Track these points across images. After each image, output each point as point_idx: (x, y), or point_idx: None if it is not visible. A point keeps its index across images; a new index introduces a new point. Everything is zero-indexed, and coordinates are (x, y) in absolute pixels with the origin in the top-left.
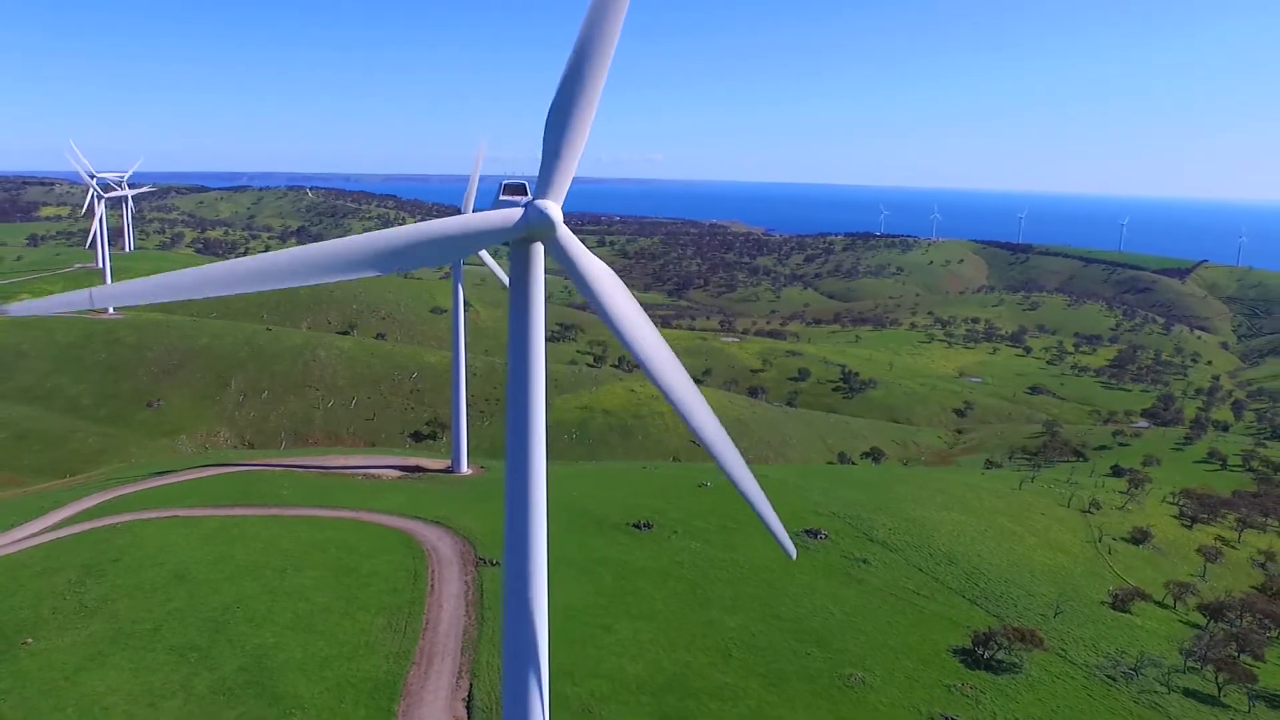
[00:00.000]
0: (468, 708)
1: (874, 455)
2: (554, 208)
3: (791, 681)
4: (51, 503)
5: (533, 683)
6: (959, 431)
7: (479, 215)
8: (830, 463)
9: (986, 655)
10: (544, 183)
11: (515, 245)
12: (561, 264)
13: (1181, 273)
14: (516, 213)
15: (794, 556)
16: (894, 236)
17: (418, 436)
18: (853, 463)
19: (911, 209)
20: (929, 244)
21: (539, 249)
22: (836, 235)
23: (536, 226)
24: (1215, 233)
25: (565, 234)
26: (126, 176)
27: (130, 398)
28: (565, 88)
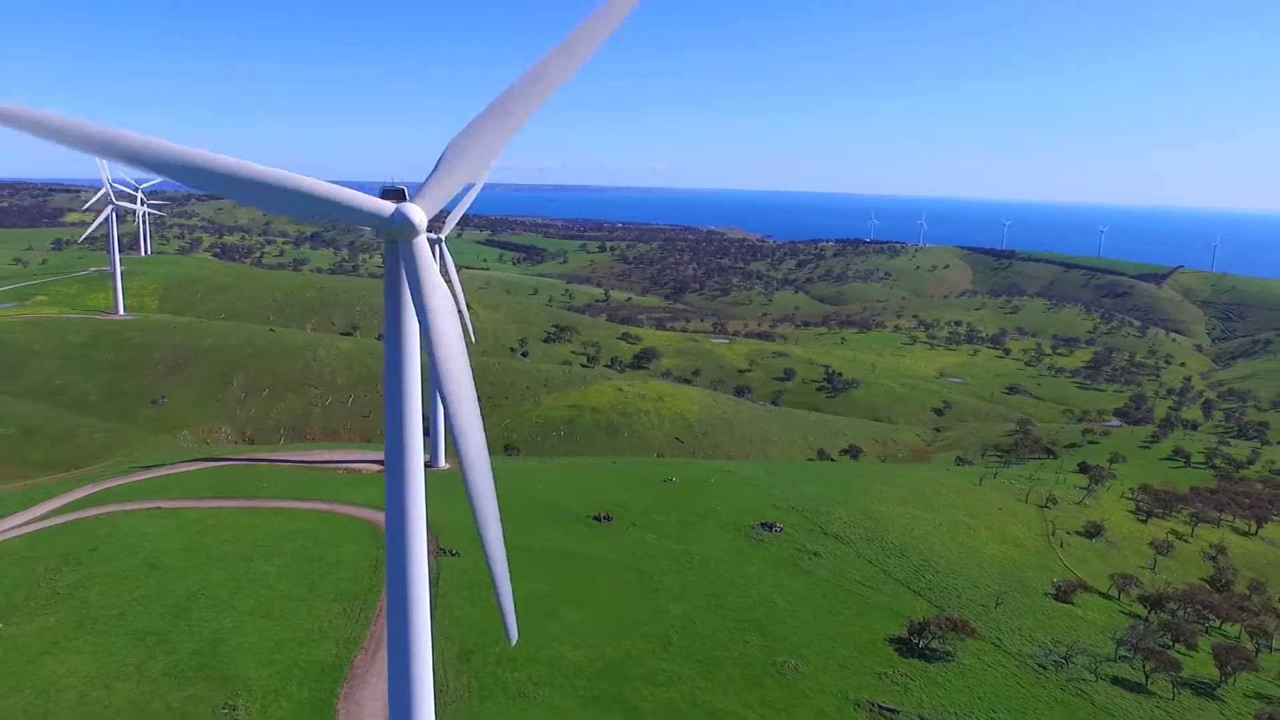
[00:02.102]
0: None
1: (852, 452)
2: (418, 212)
3: (726, 668)
4: (43, 494)
5: (414, 671)
6: (937, 430)
7: (357, 194)
8: (810, 459)
9: (921, 644)
10: (421, 190)
11: (387, 245)
12: (406, 269)
13: (1158, 278)
14: (389, 206)
15: (513, 640)
16: (883, 243)
17: None
18: (832, 459)
19: (900, 216)
20: (916, 250)
21: (422, 243)
22: (828, 241)
23: (399, 226)
24: (1191, 240)
25: (421, 243)
26: (143, 186)
27: (136, 395)
28: (478, 127)
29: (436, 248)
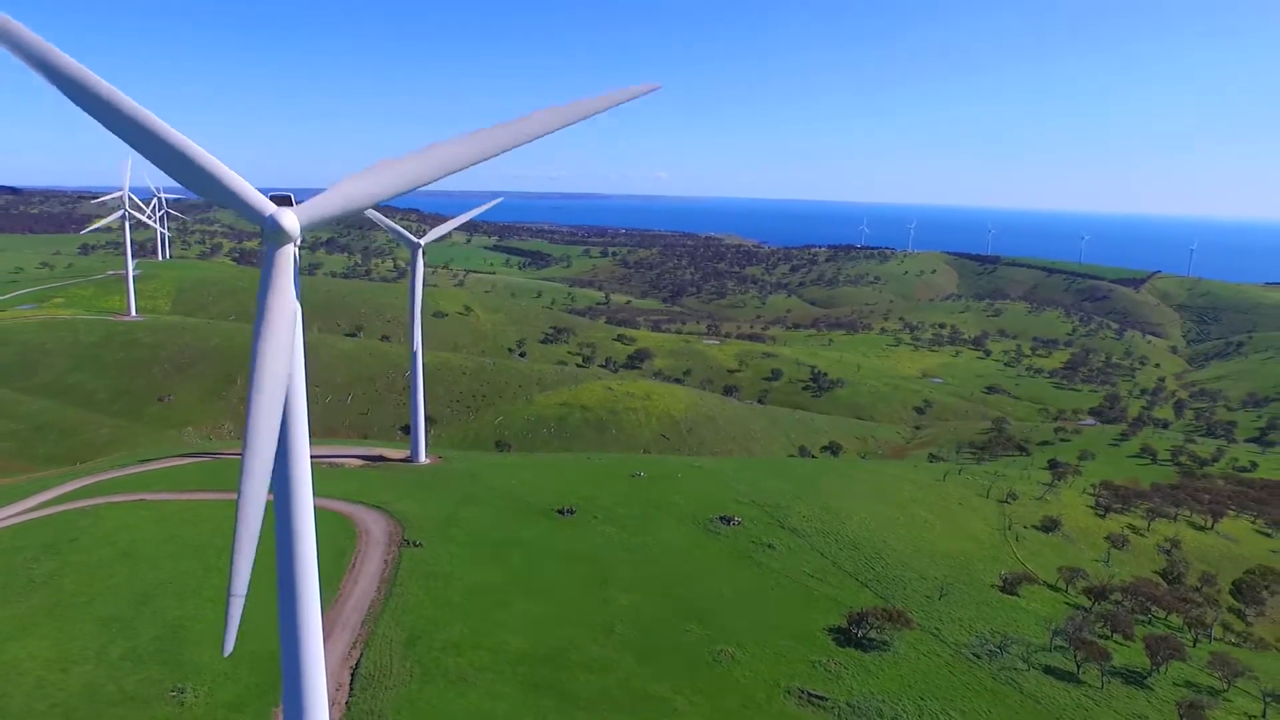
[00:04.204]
0: (352, 675)
1: (833, 449)
2: (290, 219)
3: (664, 655)
4: (37, 487)
5: (306, 663)
6: (917, 428)
7: (247, 187)
8: (792, 455)
9: (859, 634)
10: (309, 202)
11: (264, 242)
12: (263, 269)
13: (1136, 282)
14: (270, 206)
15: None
16: (873, 248)
17: (408, 429)
18: (812, 456)
19: (890, 223)
20: (905, 255)
21: (287, 252)
22: (821, 247)
23: (269, 228)
24: (1168, 246)
25: (286, 252)
26: (161, 192)
27: (143, 393)
28: (382, 171)
29: (417, 253)
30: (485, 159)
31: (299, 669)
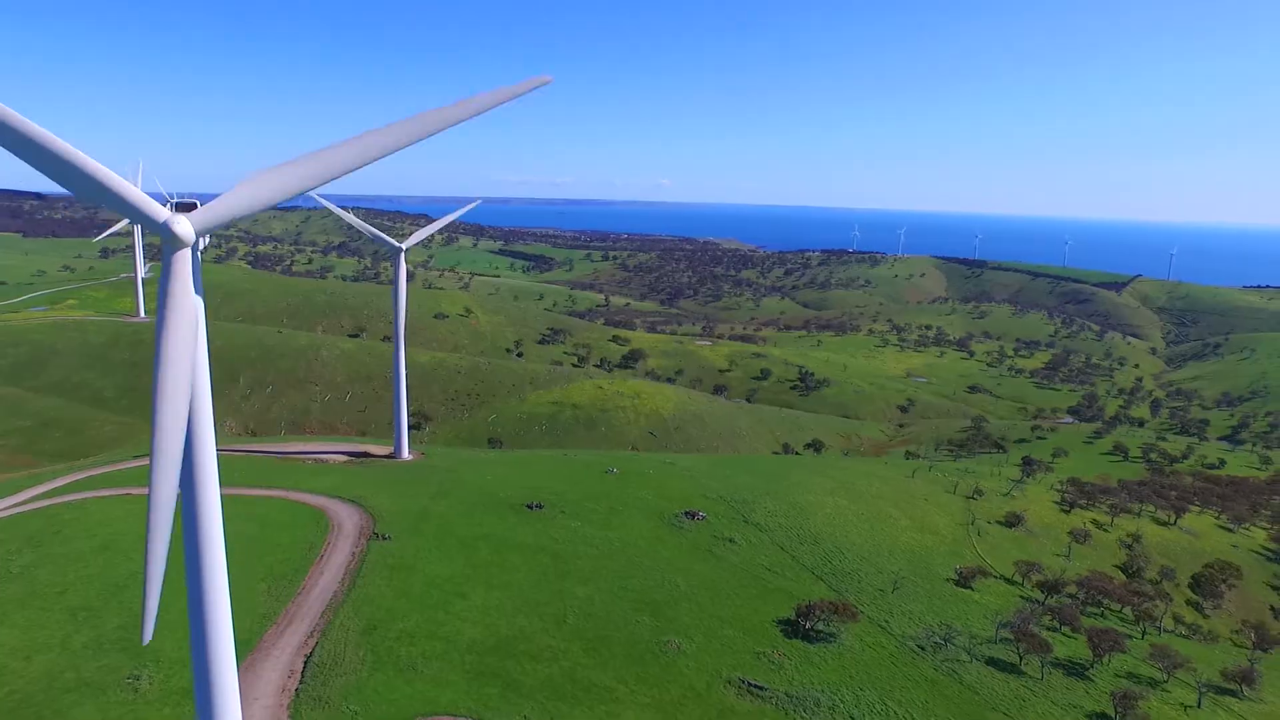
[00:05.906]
0: (305, 663)
1: (815, 446)
2: (184, 224)
3: (612, 646)
4: (31, 481)
5: (217, 658)
6: (900, 426)
7: (142, 196)
8: (776, 453)
9: (807, 626)
10: (205, 210)
11: (163, 248)
12: (162, 274)
13: (1118, 286)
14: (164, 212)
15: (146, 640)
16: (865, 253)
17: None
18: (796, 453)
19: (881, 228)
20: (895, 260)
21: (183, 256)
22: (814, 251)
23: (164, 234)
24: (1149, 250)
25: (183, 257)
26: (172, 199)
27: (149, 391)
28: (285, 170)
29: (399, 257)
30: (372, 161)
31: (208, 673)
